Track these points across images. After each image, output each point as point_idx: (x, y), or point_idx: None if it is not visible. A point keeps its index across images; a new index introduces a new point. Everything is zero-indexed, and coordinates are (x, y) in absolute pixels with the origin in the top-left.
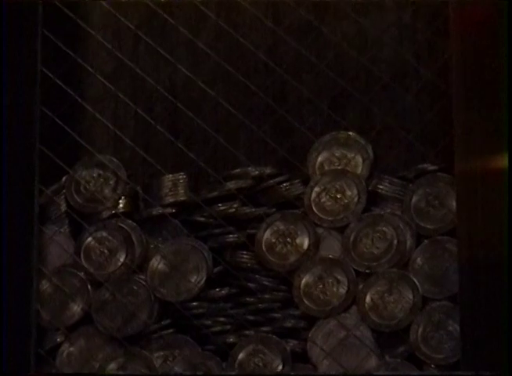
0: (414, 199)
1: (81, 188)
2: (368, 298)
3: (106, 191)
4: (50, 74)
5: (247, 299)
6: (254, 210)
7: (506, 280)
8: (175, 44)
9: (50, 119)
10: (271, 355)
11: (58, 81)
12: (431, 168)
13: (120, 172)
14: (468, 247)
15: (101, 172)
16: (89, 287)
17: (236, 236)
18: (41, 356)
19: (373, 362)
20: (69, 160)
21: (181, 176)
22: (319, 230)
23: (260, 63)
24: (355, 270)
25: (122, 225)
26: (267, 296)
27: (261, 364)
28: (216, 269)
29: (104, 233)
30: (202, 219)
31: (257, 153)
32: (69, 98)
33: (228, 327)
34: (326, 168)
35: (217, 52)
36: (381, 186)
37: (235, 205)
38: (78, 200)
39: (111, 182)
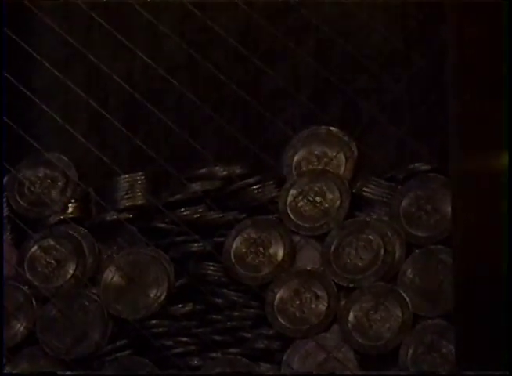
0: (404, 203)
1: (25, 190)
2: (351, 316)
3: (54, 193)
4: None
5: (214, 317)
6: (221, 215)
7: (507, 296)
8: (134, 26)
9: None
10: None
11: None
12: (424, 167)
13: (69, 172)
14: (464, 258)
15: (48, 172)
16: (34, 302)
17: (201, 245)
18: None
19: None
20: (11, 158)
21: (139, 177)
22: (296, 239)
23: (230, 50)
24: (336, 284)
25: (72, 232)
26: (236, 313)
27: None
28: (178, 283)
29: (51, 242)
30: (163, 226)
31: (226, 150)
32: (12, 87)
33: (193, 348)
34: (304, 167)
35: (181, 36)
36: (367, 189)
37: (200, 210)
38: (22, 203)
39: (59, 184)
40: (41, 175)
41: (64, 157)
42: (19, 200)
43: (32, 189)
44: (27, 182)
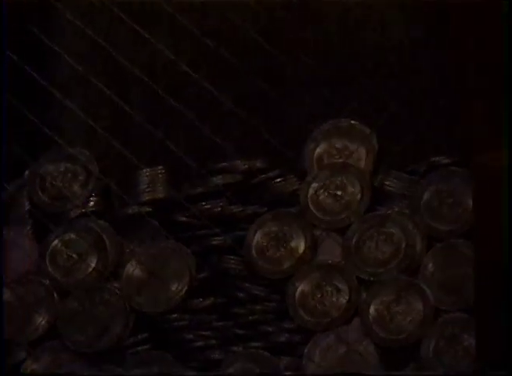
0: (425, 196)
1: (47, 184)
2: (372, 309)
3: (75, 187)
4: (11, 55)
5: (235, 310)
6: (242, 209)
7: None
8: (155, 20)
9: (11, 106)
10: None
11: (21, 63)
12: (445, 161)
13: (91, 166)
14: (486, 251)
15: (69, 166)
16: (55, 296)
17: (222, 238)
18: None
19: None
20: (33, 152)
21: (160, 170)
22: (317, 232)
23: (252, 42)
24: (357, 277)
25: (93, 225)
26: (258, 307)
27: None
28: (200, 276)
29: (72, 235)
30: (184, 219)
31: (247, 144)
32: (34, 82)
33: (214, 341)
34: (325, 161)
35: (202, 29)
36: (388, 182)
37: (221, 204)
38: (43, 197)
39: (81, 177)
40: (62, 169)
41: (85, 151)
42: (41, 194)
43: (53, 183)
44: (49, 176)
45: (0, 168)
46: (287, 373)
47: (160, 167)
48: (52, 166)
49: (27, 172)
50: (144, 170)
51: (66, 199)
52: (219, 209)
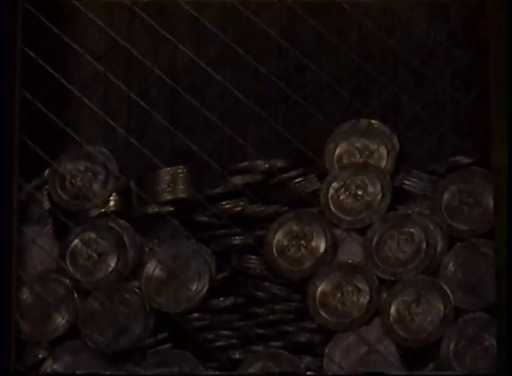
0: (446, 196)
1: (67, 183)
2: (393, 309)
3: (95, 186)
4: (32, 54)
5: (256, 310)
6: (263, 209)
7: None
8: (176, 20)
9: (31, 104)
10: None
11: (41, 62)
12: (465, 161)
13: (110, 165)
14: (507, 251)
15: (89, 165)
16: (75, 295)
17: (242, 238)
18: (20, 374)
19: None
20: (52, 151)
21: (180, 170)
22: (338, 232)
23: (273, 44)
24: (377, 277)
25: (113, 225)
26: (278, 307)
27: None
28: (220, 276)
29: (92, 235)
30: (204, 219)
31: (268, 144)
32: (53, 80)
33: (234, 341)
34: (346, 160)
35: (224, 30)
36: (408, 182)
37: (242, 203)
38: (63, 196)
39: (101, 177)
40: (82, 168)
41: (105, 150)
42: (61, 193)
43: (73, 182)
44: (68, 175)
45: (14, 167)
46: (308, 373)
47: (181, 166)
48: (72, 165)
49: (47, 171)
50: (164, 169)
51: (86, 198)
52: (239, 209)
